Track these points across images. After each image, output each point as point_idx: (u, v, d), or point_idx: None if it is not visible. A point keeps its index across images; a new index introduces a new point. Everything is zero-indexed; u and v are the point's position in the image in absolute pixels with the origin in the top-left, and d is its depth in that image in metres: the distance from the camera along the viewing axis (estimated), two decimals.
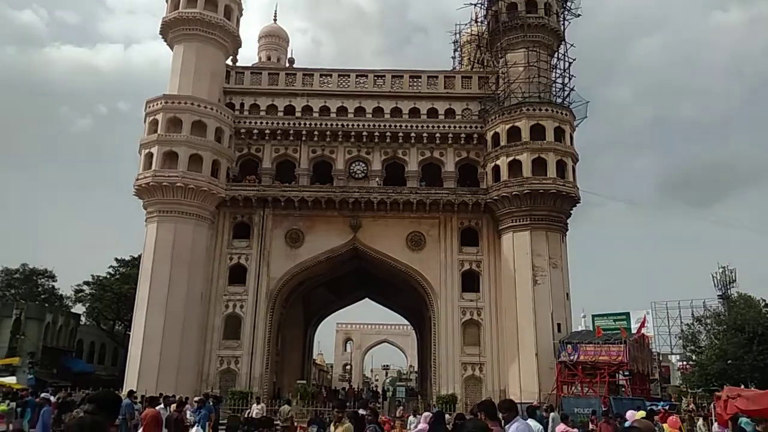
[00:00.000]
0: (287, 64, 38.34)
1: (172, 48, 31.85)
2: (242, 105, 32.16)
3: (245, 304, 29.38)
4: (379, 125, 31.34)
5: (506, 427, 7.21)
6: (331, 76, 32.94)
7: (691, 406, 28.76)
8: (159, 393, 19.50)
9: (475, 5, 33.98)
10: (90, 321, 48.96)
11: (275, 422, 21.03)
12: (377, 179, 31.19)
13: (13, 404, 16.25)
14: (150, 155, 28.85)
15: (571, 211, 30.15)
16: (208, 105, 29.79)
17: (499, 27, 31.42)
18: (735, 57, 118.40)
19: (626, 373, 25.89)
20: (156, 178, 28.32)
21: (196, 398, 18.76)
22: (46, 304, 44.73)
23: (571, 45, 31.58)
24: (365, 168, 31.59)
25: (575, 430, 14.18)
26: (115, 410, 4.27)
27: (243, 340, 28.95)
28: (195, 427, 13.47)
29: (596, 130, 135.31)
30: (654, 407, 18.41)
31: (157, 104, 29.55)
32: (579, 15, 32.45)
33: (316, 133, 31.33)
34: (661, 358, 42.10)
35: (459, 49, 38.09)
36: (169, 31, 31.38)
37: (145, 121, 29.96)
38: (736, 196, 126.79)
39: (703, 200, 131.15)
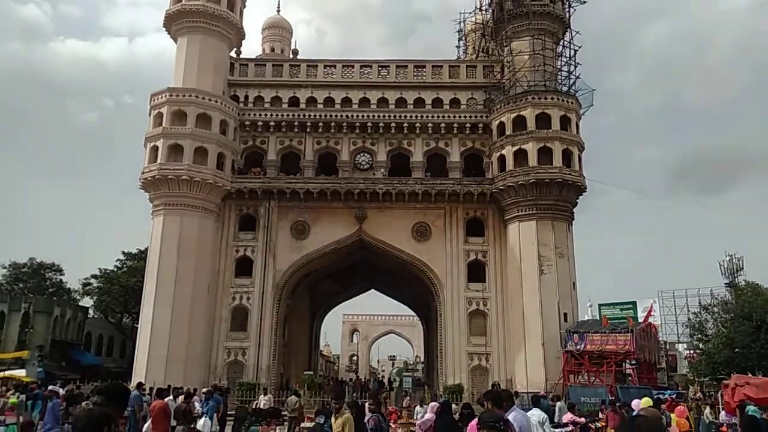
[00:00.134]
0: (291, 56, 38.25)
1: (175, 41, 31.78)
2: (246, 97, 32.12)
3: (252, 296, 29.49)
4: (384, 116, 31.25)
5: (506, 415, 7.26)
6: (335, 66, 32.83)
7: (698, 394, 28.75)
8: (167, 385, 19.61)
9: None
10: (98, 314, 49.30)
11: (282, 413, 21.21)
12: (382, 170, 31.13)
13: (23, 397, 16.40)
14: (155, 148, 28.88)
15: (578, 200, 30.03)
16: (213, 97, 29.75)
17: (504, 15, 31.18)
18: (743, 42, 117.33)
19: (633, 362, 25.85)
20: (161, 171, 28.36)
21: (204, 390, 18.86)
22: (54, 298, 45.07)
23: (577, 32, 31.35)
24: (370, 159, 31.54)
25: (582, 419, 14.21)
26: (123, 402, 4.28)
27: (250, 332, 29.08)
28: (203, 418, 13.53)
29: (602, 118, 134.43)
30: (661, 396, 18.39)
31: (161, 97, 29.54)
32: (585, 1, 32.18)
33: (320, 124, 31.27)
34: (667, 347, 42.07)
35: (463, 38, 37.88)
36: (173, 23, 31.29)
37: (150, 115, 29.96)
38: (743, 183, 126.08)
39: (710, 188, 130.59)
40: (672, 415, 13.97)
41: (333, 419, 9.26)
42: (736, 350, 31.87)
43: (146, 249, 32.10)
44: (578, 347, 25.85)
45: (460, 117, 31.34)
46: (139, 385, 19.45)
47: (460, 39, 38.03)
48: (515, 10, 30.81)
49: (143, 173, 29.04)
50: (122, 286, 43.47)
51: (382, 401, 16.46)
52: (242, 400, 24.42)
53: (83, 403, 13.49)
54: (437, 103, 31.76)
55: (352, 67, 32.75)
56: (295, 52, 38.47)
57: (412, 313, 52.13)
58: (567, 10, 31.81)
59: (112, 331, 48.06)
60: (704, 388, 33.22)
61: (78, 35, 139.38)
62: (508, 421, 5.83)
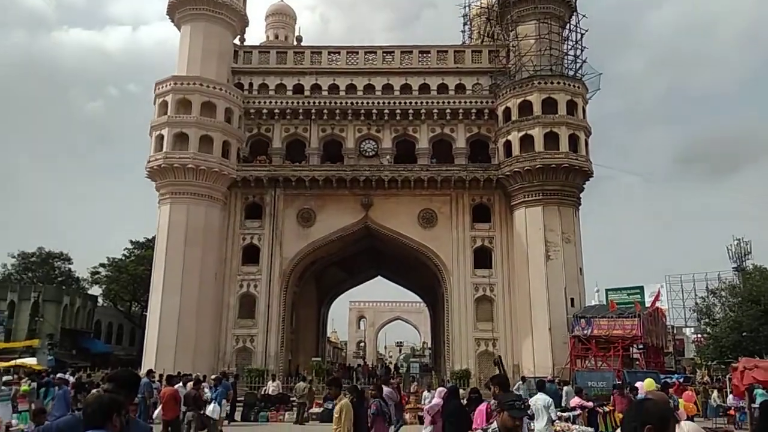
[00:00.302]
0: (295, 43, 38.05)
1: (179, 28, 31.65)
2: (251, 85, 32.02)
3: (259, 284, 29.61)
4: (389, 102, 31.10)
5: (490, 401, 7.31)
6: (339, 53, 32.66)
7: (706, 378, 28.78)
8: (177, 372, 19.78)
9: None
10: (107, 302, 49.67)
11: (291, 398, 21.39)
12: (388, 157, 31.05)
13: (34, 384, 16.59)
14: (161, 137, 28.90)
15: (584, 186, 29.91)
16: (217, 85, 29.68)
17: None
18: (750, 26, 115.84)
19: (640, 346, 25.87)
20: (167, 159, 28.38)
21: (213, 376, 19.04)
22: (63, 287, 45.42)
23: (583, 16, 30.99)
24: (375, 146, 31.45)
25: (590, 403, 14.24)
26: (134, 389, 4.31)
27: (258, 319, 29.24)
28: (212, 404, 13.66)
29: (609, 103, 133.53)
30: (668, 380, 18.39)
31: (166, 86, 29.48)
32: None
33: (325, 111, 31.16)
34: (675, 331, 41.99)
35: (468, 23, 37.52)
36: (176, 11, 31.14)
37: (154, 103, 29.94)
38: (751, 167, 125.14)
39: (717, 172, 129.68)
40: (680, 400, 13.99)
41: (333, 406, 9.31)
42: (744, 334, 31.75)
43: (154, 238, 32.24)
44: (585, 332, 25.85)
45: (465, 103, 31.15)
46: (149, 372, 19.65)
47: (465, 24, 37.69)
48: None
49: (149, 162, 29.08)
50: (130, 275, 43.73)
51: (396, 386, 16.53)
52: (251, 386, 24.63)
53: (93, 391, 13.64)
54: (442, 88, 31.57)
55: (357, 53, 32.56)
56: (299, 39, 38.27)
57: (419, 300, 52.22)
58: None
59: (121, 319, 48.45)
60: (712, 372, 33.22)
61: (82, 24, 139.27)
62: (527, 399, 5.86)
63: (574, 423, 12.39)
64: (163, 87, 29.57)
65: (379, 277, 43.49)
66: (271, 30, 41.99)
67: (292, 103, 31.34)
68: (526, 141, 28.70)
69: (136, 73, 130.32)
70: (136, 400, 15.18)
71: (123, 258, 46.24)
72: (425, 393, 18.36)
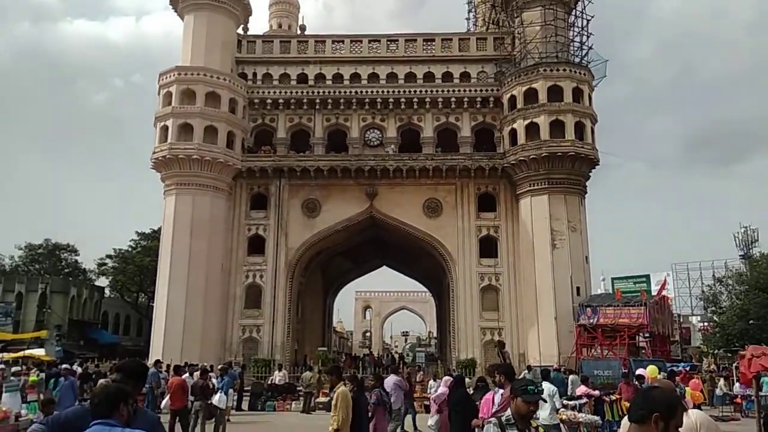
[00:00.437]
0: (299, 32, 37.91)
1: (182, 18, 31.55)
2: (255, 74, 31.93)
3: (265, 274, 29.69)
4: (394, 91, 30.97)
5: (496, 388, 7.31)
6: (343, 42, 32.50)
7: (712, 366, 28.71)
8: (184, 362, 19.89)
9: None
10: (114, 294, 49.93)
11: (298, 388, 21.50)
12: (392, 146, 30.97)
13: (43, 375, 16.71)
14: (165, 128, 28.89)
15: (590, 174, 29.76)
16: (221, 76, 29.60)
17: None
18: (760, 10, 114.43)
19: (646, 335, 25.84)
20: (172, 150, 28.39)
21: (219, 366, 19.15)
22: (70, 278, 45.65)
23: (589, 1, 30.62)
24: (380, 135, 31.35)
25: (596, 391, 14.24)
26: (141, 379, 4.32)
27: (264, 309, 29.34)
28: (218, 394, 13.73)
29: (616, 90, 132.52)
30: (675, 368, 18.38)
31: (170, 76, 29.43)
32: None
33: (329, 101, 31.06)
34: (681, 320, 41.95)
35: (473, 10, 37.27)
36: (179, 0, 31.02)
37: (159, 94, 29.91)
38: (760, 155, 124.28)
39: (725, 159, 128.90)
40: (686, 388, 13.96)
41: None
42: (751, 322, 31.68)
43: (159, 229, 32.33)
44: (591, 321, 25.84)
45: (470, 91, 30.98)
46: (157, 363, 19.77)
47: (469, 11, 37.46)
48: None
49: (154, 153, 29.09)
50: (137, 266, 43.92)
51: (407, 376, 16.57)
52: (258, 376, 24.74)
53: (100, 381, 13.73)
54: (447, 77, 31.40)
55: (361, 42, 32.39)
56: (303, 28, 38.12)
57: (425, 289, 52.34)
58: None
59: (128, 310, 48.73)
60: (718, 361, 33.16)
61: (86, 15, 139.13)
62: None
63: (580, 411, 12.39)
64: (167, 78, 29.52)
65: (384, 267, 43.55)
66: (275, 19, 41.85)
67: (296, 92, 31.24)
68: (532, 129, 28.55)
69: (140, 64, 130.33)
70: (144, 390, 15.30)
71: (129, 249, 46.42)
72: (431, 382, 18.41)
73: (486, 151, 30.70)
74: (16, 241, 58.81)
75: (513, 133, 29.30)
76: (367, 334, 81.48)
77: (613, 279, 43.07)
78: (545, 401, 8.30)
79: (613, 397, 13.91)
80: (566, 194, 28.54)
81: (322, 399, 20.43)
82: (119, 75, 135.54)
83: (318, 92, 31.11)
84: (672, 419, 2.69)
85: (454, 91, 30.91)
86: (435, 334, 57.91)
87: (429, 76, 31.40)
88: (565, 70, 28.86)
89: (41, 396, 13.43)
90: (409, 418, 14.14)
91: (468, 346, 28.54)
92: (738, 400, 20.28)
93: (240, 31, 32.65)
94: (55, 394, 13.37)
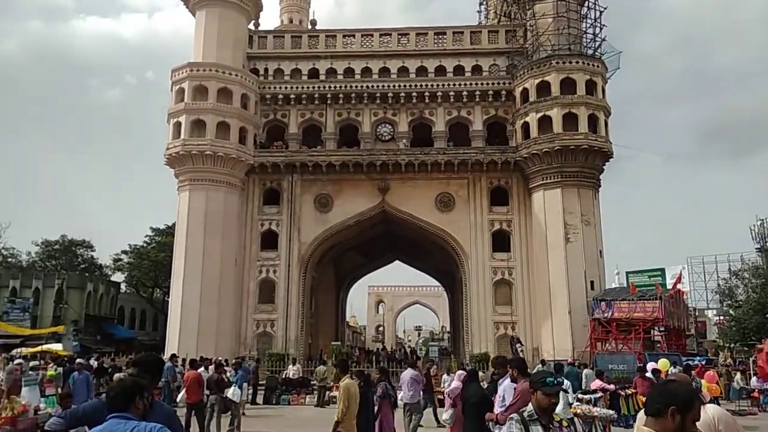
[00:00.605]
0: (309, 27, 37.86)
1: (194, 14, 31.66)
2: (266, 70, 31.99)
3: (278, 269, 29.82)
4: (405, 85, 30.88)
5: (498, 381, 7.31)
6: (354, 36, 32.44)
7: (729, 360, 28.47)
8: (199, 356, 20.08)
9: None
10: (130, 289, 50.46)
11: (312, 382, 21.61)
12: (404, 141, 30.91)
13: (60, 369, 16.93)
14: (178, 124, 29.06)
15: (604, 167, 29.51)
16: (233, 71, 29.69)
17: None
18: None
19: (661, 329, 25.66)
20: (185, 147, 28.56)
21: (232, 360, 19.29)
22: (86, 274, 46.19)
23: None
24: (392, 130, 31.30)
25: (611, 386, 14.17)
26: (158, 372, 4.36)
27: (278, 304, 29.50)
28: (232, 387, 13.85)
29: (629, 81, 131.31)
30: (690, 362, 18.23)
31: (182, 73, 29.58)
32: None
33: (341, 95, 31.04)
34: (697, 314, 41.58)
35: (485, 3, 37.05)
36: None
37: (171, 90, 30.08)
38: None
39: (741, 150, 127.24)
40: (702, 381, 13.86)
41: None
42: (767, 315, 31.37)
43: (174, 224, 32.58)
44: (605, 315, 25.69)
45: (482, 84, 30.81)
46: (172, 357, 19.93)
47: (481, 3, 37.23)
48: None
49: (167, 149, 29.28)
50: (152, 261, 44.33)
51: (425, 371, 16.58)
52: (272, 370, 24.90)
53: (116, 375, 13.89)
54: (459, 70, 31.25)
55: (372, 36, 32.32)
56: (314, 23, 38.08)
57: (437, 284, 52.30)
58: None
59: (144, 305, 49.21)
60: (734, 355, 32.87)
61: (98, 12, 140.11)
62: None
63: (595, 405, 12.34)
64: (179, 74, 29.68)
65: (397, 261, 43.56)
66: (286, 14, 41.87)
67: (308, 87, 31.27)
68: (545, 122, 28.35)
69: (153, 60, 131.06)
70: (160, 384, 15.46)
71: (144, 245, 46.86)
72: (444, 376, 18.41)
73: (498, 144, 30.54)
74: (32, 238, 59.51)
75: (525, 127, 29.12)
76: (380, 328, 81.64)
77: (627, 273, 42.81)
78: (566, 392, 8.28)
79: (629, 391, 13.84)
80: (580, 187, 28.33)
81: (336, 393, 20.53)
82: (132, 72, 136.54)
83: (329, 87, 31.12)
84: (689, 413, 2.67)
85: (465, 84, 30.76)
86: (448, 329, 57.89)
87: (440, 70, 31.28)
88: (578, 62, 28.61)
89: (59, 390, 13.61)
90: (429, 411, 14.20)
91: (481, 341, 28.50)
92: (755, 394, 20.08)
93: (251, 26, 32.71)
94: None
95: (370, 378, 10.30)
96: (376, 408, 9.94)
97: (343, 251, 36.84)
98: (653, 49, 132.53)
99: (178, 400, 14.45)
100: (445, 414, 10.29)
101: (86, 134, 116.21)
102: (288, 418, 17.37)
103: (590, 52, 29.60)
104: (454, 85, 30.76)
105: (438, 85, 30.77)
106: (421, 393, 13.16)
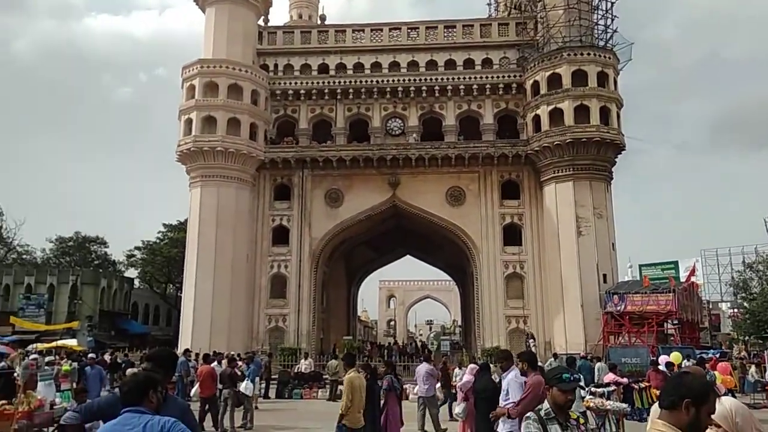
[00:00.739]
0: (319, 22, 37.88)
1: (204, 11, 31.74)
2: (276, 66, 32.02)
3: (289, 264, 29.94)
4: (415, 79, 30.79)
5: (503, 374, 7.28)
6: (363, 31, 32.38)
7: (743, 353, 28.21)
8: (212, 351, 20.22)
9: None
10: (143, 285, 50.87)
11: (324, 376, 21.71)
12: (414, 135, 30.84)
13: (75, 364, 17.10)
14: (189, 121, 29.20)
15: (616, 159, 29.28)
16: (243, 68, 29.75)
17: None
18: None
19: (675, 321, 25.48)
20: (196, 143, 28.70)
21: (244, 354, 19.43)
22: (100, 270, 46.62)
23: None
24: (402, 124, 31.24)
25: (624, 379, 14.11)
26: (172, 367, 4.38)
27: (289, 299, 29.62)
28: (245, 381, 13.96)
29: (641, 73, 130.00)
30: (704, 355, 18.10)
31: (192, 69, 29.70)
32: None
33: (350, 90, 31.02)
34: (711, 306, 41.25)
35: None
36: None
37: (182, 87, 30.20)
38: None
39: (755, 141, 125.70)
40: (716, 373, 13.75)
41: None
42: None
43: (186, 220, 32.78)
44: (618, 308, 25.55)
45: (492, 77, 30.64)
46: (186, 352, 20.11)
47: None
48: None
49: (179, 146, 29.44)
50: (165, 257, 44.65)
51: (442, 366, 16.58)
52: (284, 364, 25.02)
53: (129, 370, 14.01)
54: (469, 64, 31.10)
55: (381, 30, 32.23)
56: (323, 18, 38.08)
57: (448, 278, 52.21)
58: None
59: (157, 300, 49.62)
60: (749, 347, 32.57)
61: (109, 10, 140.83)
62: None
63: (608, 399, 12.28)
64: (190, 71, 29.79)
65: (408, 255, 43.56)
66: (295, 10, 41.86)
67: (318, 83, 31.27)
68: (556, 115, 28.16)
69: (164, 57, 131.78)
70: (173, 379, 15.59)
71: (157, 241, 47.19)
72: (456, 370, 18.40)
73: (509, 138, 30.39)
74: (46, 234, 60.14)
75: (536, 120, 28.94)
76: (392, 323, 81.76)
77: (640, 266, 42.50)
78: (583, 388, 8.24)
79: (642, 385, 13.77)
80: (592, 180, 28.14)
81: None
82: (143, 69, 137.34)
83: (339, 82, 31.09)
84: (703, 405, 2.64)
85: (476, 78, 30.61)
86: (459, 323, 57.85)
87: (450, 64, 31.15)
88: (589, 54, 28.35)
89: (74, 385, 13.77)
90: (445, 405, 14.25)
91: (493, 335, 28.45)
92: None
93: (261, 22, 32.74)
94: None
95: (376, 371, 10.35)
96: (382, 401, 9.97)
97: (354, 246, 36.88)
98: (665, 39, 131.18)
99: (191, 394, 14.58)
100: (458, 408, 10.31)
101: (98, 132, 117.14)
102: (300, 411, 17.47)
103: (602, 43, 29.33)
104: (465, 78, 30.63)
105: (448, 79, 30.64)
106: (439, 387, 13.20)
